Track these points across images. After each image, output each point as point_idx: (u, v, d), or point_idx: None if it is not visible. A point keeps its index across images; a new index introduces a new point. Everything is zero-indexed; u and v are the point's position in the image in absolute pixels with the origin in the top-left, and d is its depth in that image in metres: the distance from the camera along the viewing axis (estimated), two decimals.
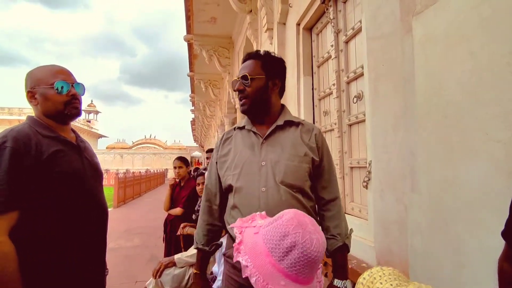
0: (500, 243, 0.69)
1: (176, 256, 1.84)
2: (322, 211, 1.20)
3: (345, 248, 1.17)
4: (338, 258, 1.16)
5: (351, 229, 1.23)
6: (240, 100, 1.21)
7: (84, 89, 1.29)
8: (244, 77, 1.18)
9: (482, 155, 0.94)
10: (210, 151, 3.76)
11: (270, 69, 1.22)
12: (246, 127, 1.24)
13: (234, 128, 1.30)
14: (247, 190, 1.14)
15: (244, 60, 1.26)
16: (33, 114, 1.24)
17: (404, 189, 1.41)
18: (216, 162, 1.27)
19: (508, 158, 0.87)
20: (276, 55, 1.29)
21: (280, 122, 1.19)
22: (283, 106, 1.29)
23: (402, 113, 1.40)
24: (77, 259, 1.16)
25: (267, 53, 1.26)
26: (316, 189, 1.20)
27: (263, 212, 0.94)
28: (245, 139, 1.22)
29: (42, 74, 1.21)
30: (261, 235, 0.77)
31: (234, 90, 1.24)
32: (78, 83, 1.27)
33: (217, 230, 1.31)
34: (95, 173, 1.33)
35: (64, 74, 1.23)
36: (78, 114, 1.27)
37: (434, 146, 1.15)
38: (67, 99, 1.21)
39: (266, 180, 1.11)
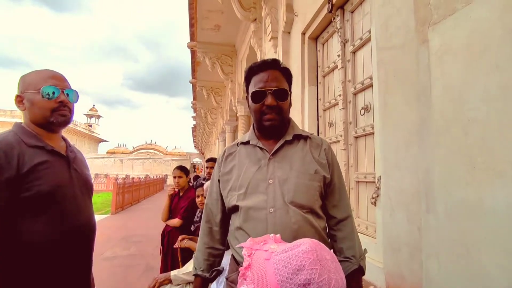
0: None
1: (172, 273, 1.74)
2: (333, 231, 1.10)
3: (360, 271, 1.07)
4: (353, 283, 1.04)
5: (365, 250, 1.11)
6: (267, 114, 1.06)
7: (78, 96, 1.21)
8: (280, 92, 1.06)
9: (510, 178, 0.86)
10: (210, 160, 3.66)
11: (290, 81, 1.14)
12: (251, 142, 1.13)
13: (237, 144, 1.20)
14: (254, 211, 1.03)
15: (262, 68, 1.10)
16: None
17: (417, 209, 1.32)
18: (218, 180, 1.17)
19: None
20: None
21: (288, 137, 1.10)
22: (289, 119, 1.19)
23: (416, 128, 1.32)
24: (58, 280, 1.07)
25: (283, 64, 1.15)
26: (326, 208, 1.10)
27: (278, 235, 0.85)
28: (250, 155, 1.11)
29: (32, 78, 1.14)
30: (272, 263, 0.68)
31: (256, 101, 1.07)
32: (71, 90, 1.20)
33: (218, 254, 1.20)
34: (84, 186, 1.24)
35: (55, 79, 1.16)
36: (66, 122, 1.18)
37: (453, 165, 1.06)
38: (54, 106, 1.13)
39: (274, 200, 1.01)
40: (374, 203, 1.75)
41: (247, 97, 1.14)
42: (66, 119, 1.17)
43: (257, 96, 1.07)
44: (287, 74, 1.13)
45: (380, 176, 1.65)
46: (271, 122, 1.07)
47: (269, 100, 1.04)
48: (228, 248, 1.17)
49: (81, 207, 1.18)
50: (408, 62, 1.41)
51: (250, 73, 1.13)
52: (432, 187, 1.16)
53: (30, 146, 1.07)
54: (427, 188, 1.20)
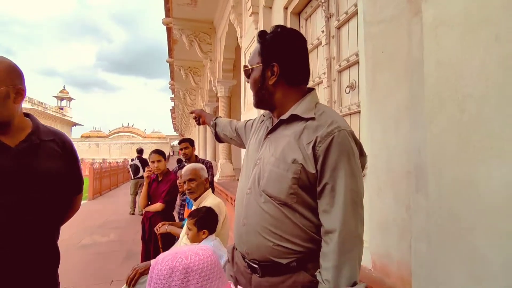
0: None
1: (153, 261, 1.66)
2: (322, 241, 0.88)
3: None
4: None
5: (362, 285, 0.86)
6: None
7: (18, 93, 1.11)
8: (245, 70, 1.04)
9: (509, 156, 0.82)
10: (183, 141, 3.49)
11: (266, 53, 0.99)
12: (265, 117, 1.12)
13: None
14: (239, 189, 1.05)
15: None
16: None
17: (406, 188, 1.30)
18: (245, 125, 1.29)
19: None
20: (286, 29, 1.03)
21: (285, 115, 0.97)
22: (305, 93, 1.02)
23: (407, 106, 1.27)
24: None
25: (273, 32, 0.99)
26: (319, 211, 0.90)
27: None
28: (260, 130, 1.10)
29: None
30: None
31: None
32: None
33: (229, 129, 1.39)
34: (35, 181, 1.12)
35: None
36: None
37: (446, 144, 1.02)
38: None
39: (253, 182, 0.95)
40: None
41: None
42: None
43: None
44: (264, 45, 0.99)
45: (366, 156, 1.61)
46: (254, 100, 1.06)
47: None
48: None
49: (21, 204, 1.09)
50: (399, 36, 1.34)
51: None
52: (424, 167, 1.12)
53: None
54: (418, 168, 1.16)
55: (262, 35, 1.00)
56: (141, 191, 7.31)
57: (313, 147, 0.87)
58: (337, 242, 0.82)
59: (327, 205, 0.85)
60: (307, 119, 0.93)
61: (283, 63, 0.97)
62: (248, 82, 1.05)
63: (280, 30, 0.99)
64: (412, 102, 1.21)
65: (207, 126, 1.51)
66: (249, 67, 1.01)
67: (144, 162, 7.40)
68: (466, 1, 0.96)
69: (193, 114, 1.63)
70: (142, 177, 6.84)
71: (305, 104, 0.96)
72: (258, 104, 1.05)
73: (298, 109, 0.95)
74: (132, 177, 7.41)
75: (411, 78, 1.23)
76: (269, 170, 0.90)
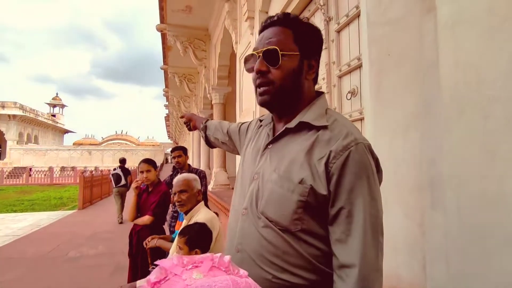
0: None
1: (139, 283, 1.51)
2: (335, 275, 0.72)
3: None
4: None
5: None
6: (259, 86, 0.80)
7: None
8: (269, 53, 0.77)
9: None
10: (176, 149, 3.40)
11: (307, 43, 0.80)
12: (263, 123, 0.92)
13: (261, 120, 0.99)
14: (233, 207, 0.89)
15: (265, 27, 0.83)
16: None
17: (417, 204, 1.18)
18: (239, 128, 1.12)
19: None
20: (311, 23, 0.86)
21: (292, 123, 0.80)
22: (315, 97, 0.86)
23: (418, 112, 1.16)
24: None
25: (298, 19, 0.82)
26: (330, 239, 0.73)
27: (227, 258, 0.63)
28: (259, 137, 0.90)
29: None
30: None
31: (249, 70, 0.83)
32: None
33: (220, 132, 1.24)
34: None
35: None
36: None
37: (468, 154, 0.91)
38: None
39: (250, 201, 0.79)
40: None
41: None
42: None
43: (249, 63, 0.82)
44: (300, 33, 0.80)
45: (382, 172, 1.50)
46: (261, 98, 0.80)
47: (256, 65, 0.78)
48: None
49: None
50: (407, 37, 1.24)
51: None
52: (440, 180, 1.01)
53: None
54: (433, 181, 1.05)
55: (287, 18, 0.81)
56: (121, 201, 7.47)
57: (326, 164, 0.71)
58: (357, 280, 0.67)
59: (343, 233, 0.70)
60: (318, 128, 0.76)
61: (318, 60, 0.84)
62: (257, 72, 0.79)
63: (307, 20, 0.84)
64: (425, 107, 1.11)
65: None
66: (280, 51, 0.76)
67: (126, 171, 7.72)
68: None
69: (184, 118, 1.47)
70: (123, 185, 7.52)
71: (316, 110, 0.80)
72: (275, 101, 0.80)
73: (307, 115, 0.79)
74: (114, 186, 7.66)
75: (423, 82, 1.13)
76: (270, 189, 0.76)
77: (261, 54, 0.78)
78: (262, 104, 0.81)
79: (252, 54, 0.80)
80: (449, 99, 0.97)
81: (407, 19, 1.24)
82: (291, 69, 0.78)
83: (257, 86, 0.80)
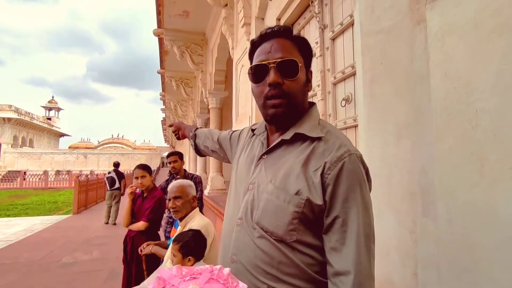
0: None
1: None
2: (330, 283, 0.73)
3: None
4: None
5: None
6: (271, 98, 0.78)
7: None
8: (285, 64, 0.76)
9: None
10: (171, 154, 3.40)
11: (307, 55, 0.83)
12: (256, 132, 0.93)
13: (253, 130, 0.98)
14: (226, 218, 0.89)
15: (266, 38, 0.82)
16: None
17: (409, 211, 1.19)
18: (231, 136, 1.10)
19: None
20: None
21: (287, 135, 0.80)
22: (308, 107, 0.87)
23: (410, 121, 1.17)
24: None
25: (299, 36, 0.85)
26: (325, 247, 0.75)
27: (227, 270, 0.64)
28: (253, 148, 0.90)
29: None
30: None
31: (257, 81, 0.81)
32: None
33: (210, 141, 1.23)
34: None
35: None
36: None
37: (457, 163, 0.93)
38: None
39: (245, 212, 0.80)
40: None
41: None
42: None
43: (257, 74, 0.80)
44: (302, 46, 0.82)
45: (371, 181, 1.51)
46: (275, 111, 0.78)
47: (271, 76, 0.76)
48: None
49: None
50: (399, 47, 1.26)
51: (253, 47, 0.85)
52: (431, 188, 1.03)
53: None
54: (424, 189, 1.06)
55: (290, 30, 0.83)
56: (115, 202, 7.72)
57: (321, 175, 0.73)
58: (352, 286, 0.68)
59: (337, 242, 0.72)
60: (312, 139, 0.78)
61: (309, 70, 0.86)
62: (271, 85, 0.76)
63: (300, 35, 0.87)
64: (416, 116, 1.13)
65: None
66: (299, 65, 0.78)
67: (120, 175, 8.06)
68: (477, 8, 0.89)
69: (172, 127, 1.45)
70: (117, 188, 7.90)
71: (310, 121, 0.81)
72: (288, 113, 0.79)
73: (303, 127, 0.80)
74: (108, 189, 7.94)
75: (414, 91, 1.15)
76: (266, 199, 0.76)
77: (274, 65, 0.77)
78: (274, 116, 0.80)
79: (262, 65, 0.78)
80: (439, 109, 0.99)
81: (399, 29, 1.26)
82: (302, 81, 0.80)
83: (268, 98, 0.79)
